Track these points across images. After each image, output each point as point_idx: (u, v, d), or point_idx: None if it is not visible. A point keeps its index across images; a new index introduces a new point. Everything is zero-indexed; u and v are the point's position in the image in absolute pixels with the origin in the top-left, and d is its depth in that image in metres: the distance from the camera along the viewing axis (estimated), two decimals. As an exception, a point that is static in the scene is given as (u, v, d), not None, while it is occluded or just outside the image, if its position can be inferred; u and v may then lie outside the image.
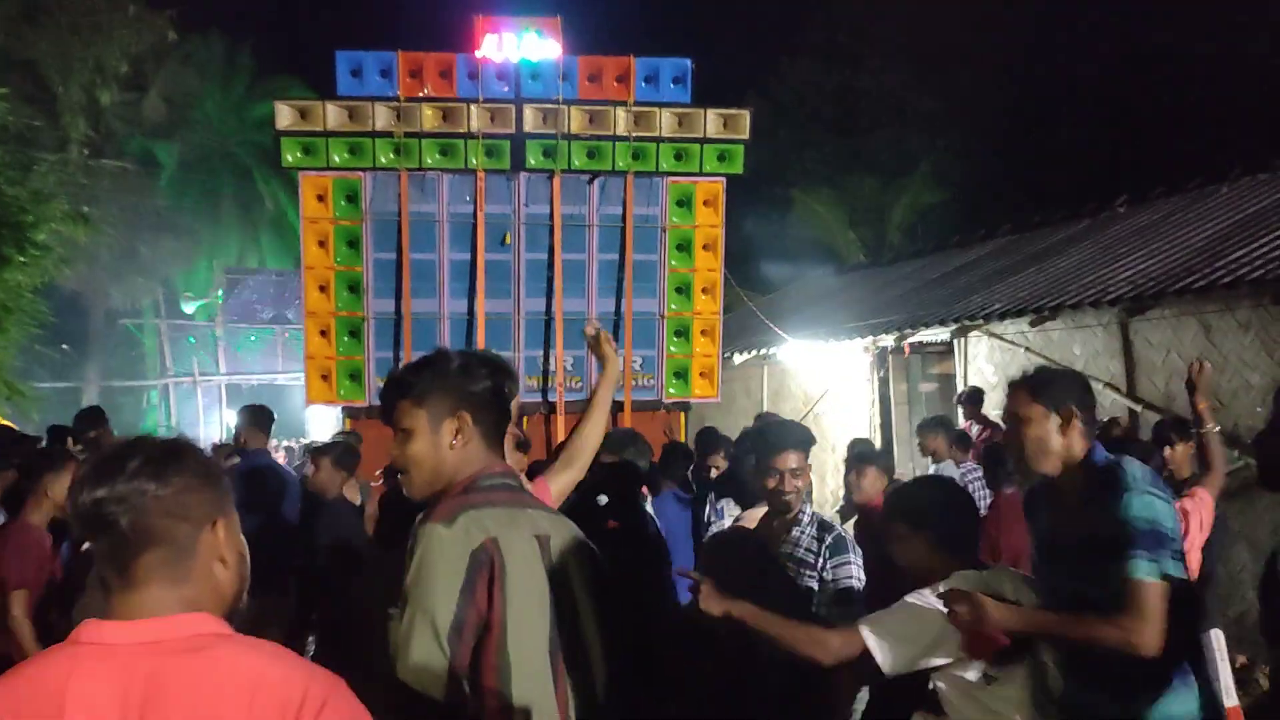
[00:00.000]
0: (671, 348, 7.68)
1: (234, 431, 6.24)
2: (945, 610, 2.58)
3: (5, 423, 9.04)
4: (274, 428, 6.55)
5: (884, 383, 12.01)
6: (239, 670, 1.36)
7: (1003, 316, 9.47)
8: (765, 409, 13.35)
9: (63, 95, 22.35)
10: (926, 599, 2.68)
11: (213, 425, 24.23)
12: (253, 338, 26.40)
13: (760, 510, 3.78)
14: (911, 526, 2.85)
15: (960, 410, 9.38)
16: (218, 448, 7.01)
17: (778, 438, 3.72)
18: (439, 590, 2.07)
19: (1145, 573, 2.47)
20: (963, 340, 10.27)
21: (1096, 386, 8.53)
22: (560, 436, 7.29)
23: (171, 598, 1.42)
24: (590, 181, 7.46)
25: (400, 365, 5.96)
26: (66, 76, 22.22)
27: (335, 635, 4.15)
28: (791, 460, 3.60)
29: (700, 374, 7.68)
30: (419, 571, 2.09)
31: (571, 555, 2.26)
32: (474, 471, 2.25)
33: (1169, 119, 18.29)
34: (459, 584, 2.07)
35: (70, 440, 6.70)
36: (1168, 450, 5.22)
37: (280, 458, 12.35)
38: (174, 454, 1.48)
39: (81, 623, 1.41)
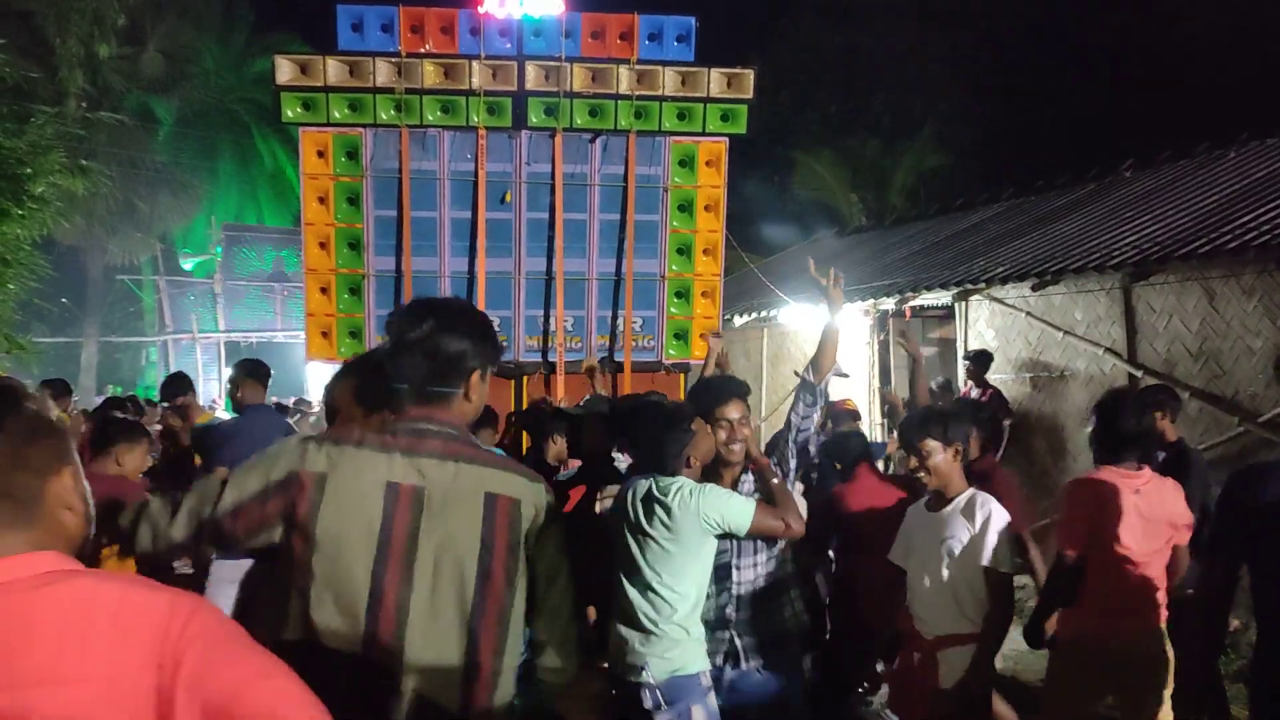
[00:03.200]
0: (672, 309, 7.66)
1: (230, 386, 6.21)
2: None
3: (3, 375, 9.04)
4: (273, 385, 6.56)
5: (884, 346, 12.01)
6: (100, 597, 1.34)
7: (1005, 280, 9.44)
8: (765, 372, 13.36)
9: (60, 48, 22.14)
10: None
11: (212, 382, 24.22)
12: (251, 294, 26.32)
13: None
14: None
15: (965, 369, 9.40)
16: (170, 407, 6.98)
17: (720, 390, 3.86)
18: (246, 472, 2.21)
19: None
20: (964, 304, 10.24)
21: (1097, 352, 8.55)
22: (559, 396, 7.29)
23: (17, 541, 1.39)
24: (592, 140, 7.41)
25: None
26: (64, 28, 21.99)
27: None
28: (734, 410, 3.74)
29: (700, 335, 7.66)
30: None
31: (452, 511, 2.22)
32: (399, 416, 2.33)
33: (1176, 83, 18.14)
34: (260, 485, 2.18)
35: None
36: (1158, 415, 5.23)
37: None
38: (10, 404, 1.45)
39: None
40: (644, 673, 3.33)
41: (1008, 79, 21.26)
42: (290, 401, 15.16)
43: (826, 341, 4.01)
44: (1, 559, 1.36)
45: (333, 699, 1.41)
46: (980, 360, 9.04)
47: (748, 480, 3.82)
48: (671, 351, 7.72)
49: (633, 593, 3.40)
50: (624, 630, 3.42)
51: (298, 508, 2.16)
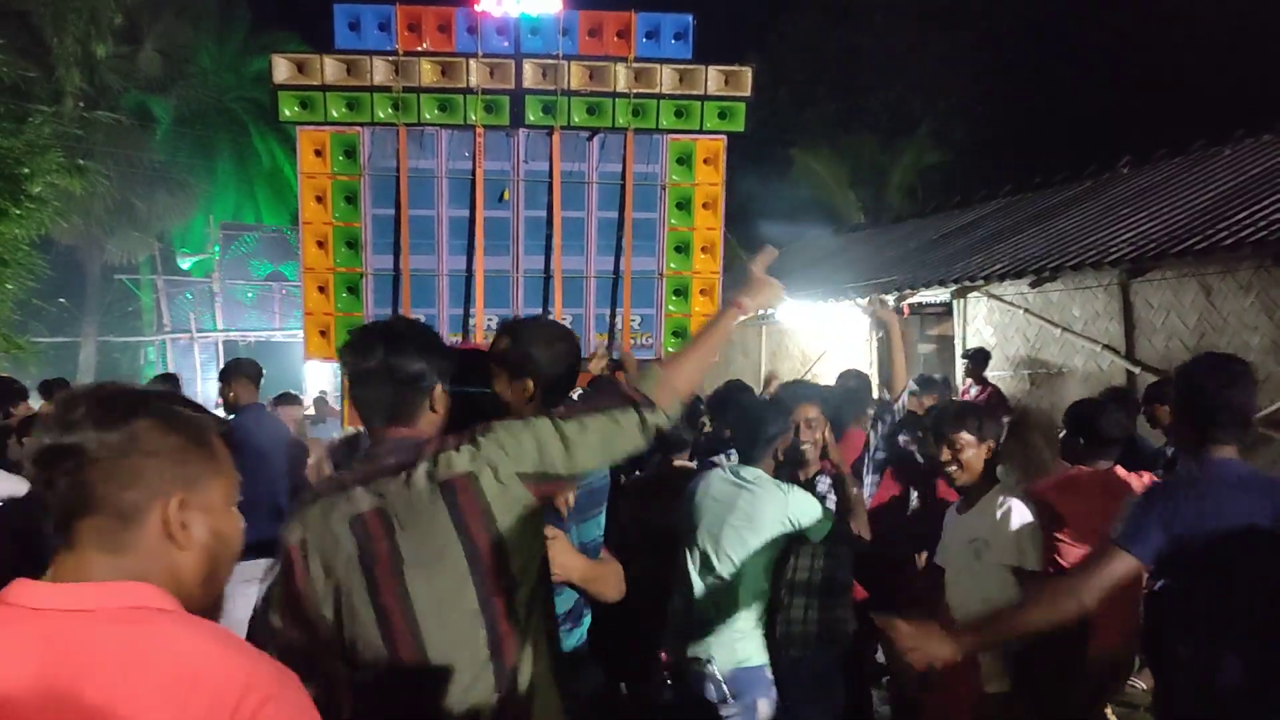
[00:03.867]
0: (670, 306, 7.65)
1: (221, 386, 6.18)
2: None
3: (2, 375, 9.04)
4: (272, 385, 6.57)
5: (882, 343, 12.02)
6: (174, 651, 1.20)
7: (1003, 278, 9.45)
8: (764, 370, 13.37)
9: (57, 47, 22.13)
10: None
11: (210, 382, 24.20)
12: (250, 294, 26.31)
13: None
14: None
15: (963, 367, 9.41)
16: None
17: (797, 392, 3.93)
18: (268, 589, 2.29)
19: None
20: (962, 301, 10.26)
21: (1095, 348, 8.57)
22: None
23: (111, 565, 1.25)
24: (590, 138, 7.41)
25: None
26: (60, 28, 21.98)
27: None
28: (811, 411, 3.86)
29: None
30: None
31: (418, 515, 2.21)
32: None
33: (1173, 81, 18.15)
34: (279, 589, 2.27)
35: None
36: (1160, 409, 5.28)
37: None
38: (138, 405, 1.29)
39: (14, 580, 1.26)
40: (709, 665, 3.33)
41: (1006, 77, 21.27)
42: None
43: (892, 362, 4.31)
44: (91, 584, 1.24)
45: None
46: (978, 358, 9.06)
47: (823, 481, 3.85)
48: (670, 349, 7.72)
49: (702, 583, 3.40)
50: (690, 620, 3.41)
51: (299, 580, 2.23)
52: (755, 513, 3.37)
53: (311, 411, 14.02)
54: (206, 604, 1.33)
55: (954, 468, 3.79)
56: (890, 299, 10.94)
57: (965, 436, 3.77)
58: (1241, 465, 2.91)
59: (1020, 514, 3.67)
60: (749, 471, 3.45)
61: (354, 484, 2.27)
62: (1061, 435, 4.24)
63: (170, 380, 7.37)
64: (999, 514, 3.68)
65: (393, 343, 2.37)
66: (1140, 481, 4.09)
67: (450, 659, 2.17)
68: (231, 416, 6.06)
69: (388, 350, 2.34)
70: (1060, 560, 4.02)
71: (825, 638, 3.70)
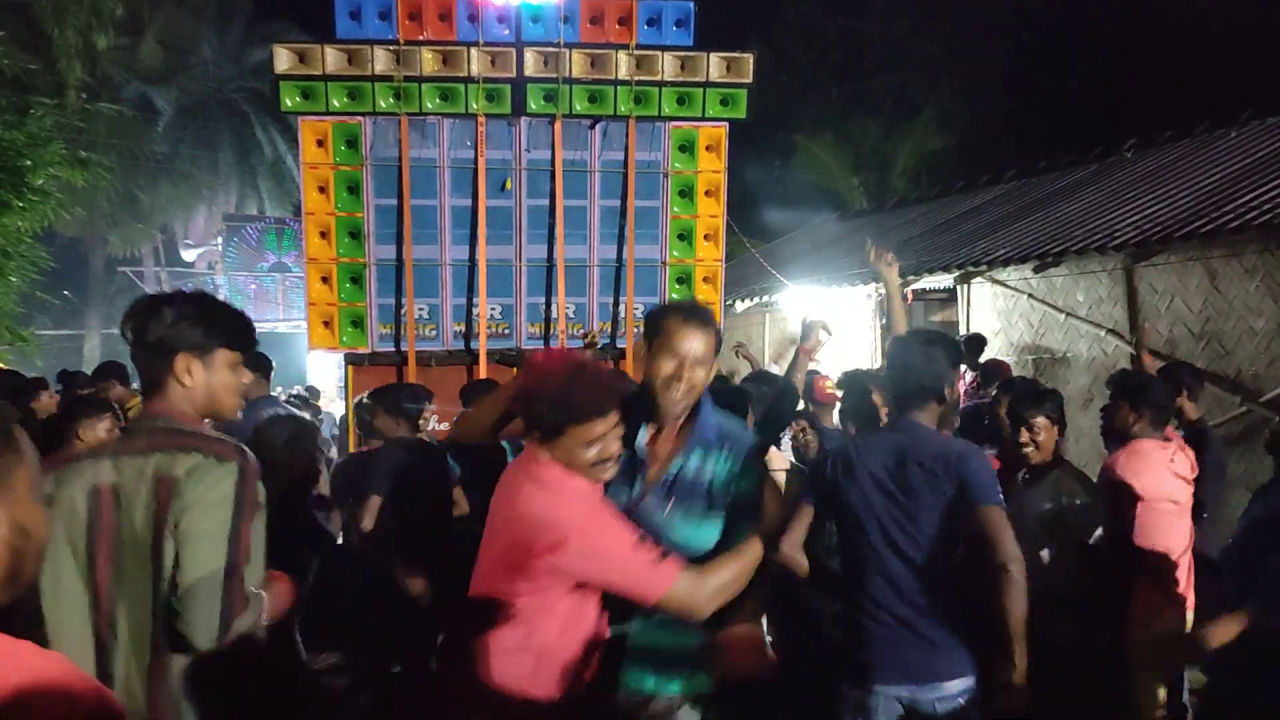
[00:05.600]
0: (673, 295, 7.65)
1: (143, 373, 6.09)
2: None
3: (5, 367, 9.06)
4: (276, 375, 6.54)
5: (886, 330, 11.99)
6: None
7: (1006, 263, 9.43)
8: (766, 357, 13.36)
9: (58, 39, 22.13)
10: None
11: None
12: (253, 285, 26.33)
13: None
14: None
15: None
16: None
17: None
18: None
19: None
20: (966, 287, 10.24)
21: (1099, 333, 8.55)
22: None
23: None
24: (592, 126, 7.39)
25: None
26: (61, 19, 21.99)
27: None
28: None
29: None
30: None
31: (136, 502, 2.20)
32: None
33: (1178, 62, 18.07)
34: None
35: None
36: (1180, 395, 5.28)
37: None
38: None
39: None
40: None
41: (1009, 61, 21.18)
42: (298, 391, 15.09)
43: (891, 313, 4.63)
44: None
45: None
46: (972, 345, 8.99)
47: None
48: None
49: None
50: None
51: None
52: None
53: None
54: (6, 600, 1.24)
55: (1030, 448, 4.10)
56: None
57: (1043, 419, 4.09)
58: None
59: (1087, 492, 4.05)
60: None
61: (107, 453, 2.27)
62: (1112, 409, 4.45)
63: (115, 370, 7.15)
64: (1064, 490, 4.01)
65: (149, 308, 2.33)
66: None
67: (129, 654, 2.20)
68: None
69: (144, 314, 2.32)
70: (1136, 530, 4.13)
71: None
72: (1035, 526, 3.91)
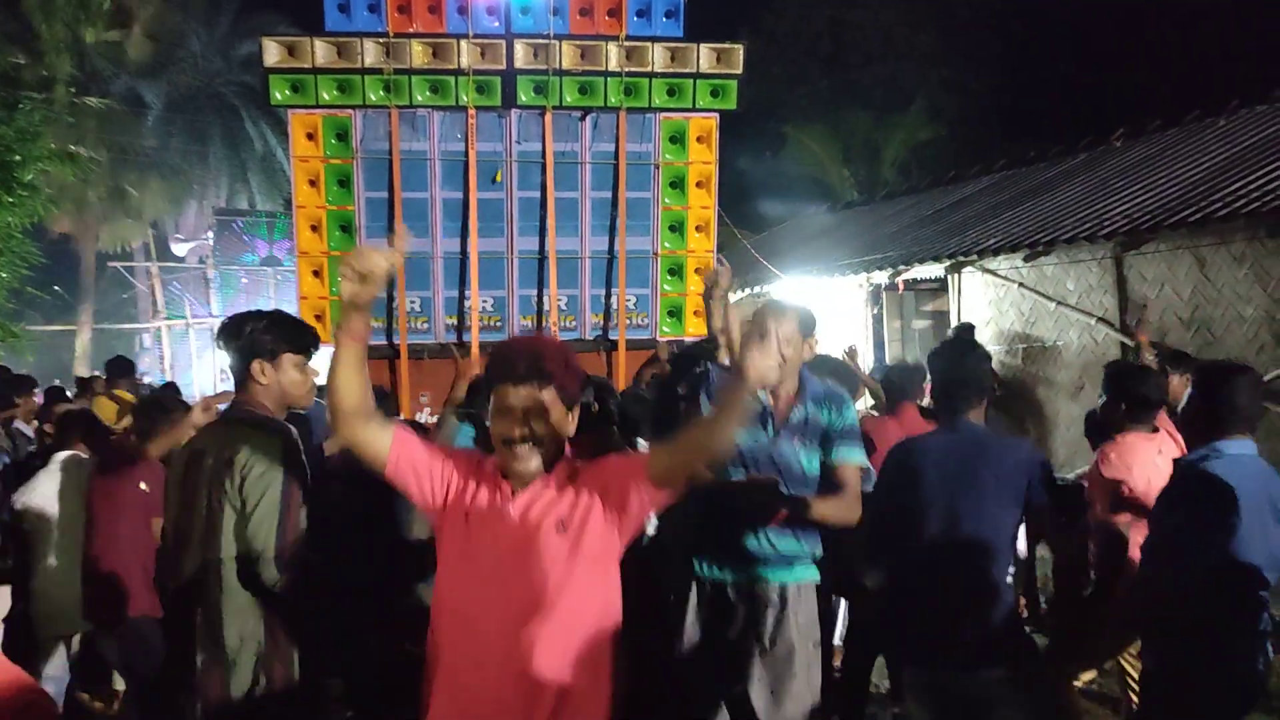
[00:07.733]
0: (665, 286, 7.66)
1: (234, 373, 6.16)
2: None
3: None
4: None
5: (877, 320, 12.03)
6: None
7: (997, 252, 9.45)
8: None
9: (46, 33, 22.01)
10: None
11: (206, 368, 24.19)
12: (244, 279, 26.25)
13: None
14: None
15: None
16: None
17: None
18: None
19: None
20: (956, 276, 10.27)
21: (1089, 321, 8.59)
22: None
23: None
24: (582, 118, 7.39)
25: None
26: (49, 13, 21.87)
27: None
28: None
29: (694, 312, 7.65)
30: None
31: (214, 458, 2.89)
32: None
33: (1166, 52, 18.10)
34: None
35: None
36: (1175, 379, 5.28)
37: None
38: None
39: None
40: None
41: (999, 51, 21.20)
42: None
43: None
44: None
45: None
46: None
47: None
48: (665, 329, 7.73)
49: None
50: None
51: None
52: None
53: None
54: None
55: None
56: (885, 277, 10.94)
57: None
58: None
59: None
60: None
61: (203, 431, 3.25)
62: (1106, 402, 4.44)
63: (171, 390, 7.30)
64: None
65: (233, 326, 3.05)
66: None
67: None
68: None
69: (229, 332, 3.05)
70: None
71: None
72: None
